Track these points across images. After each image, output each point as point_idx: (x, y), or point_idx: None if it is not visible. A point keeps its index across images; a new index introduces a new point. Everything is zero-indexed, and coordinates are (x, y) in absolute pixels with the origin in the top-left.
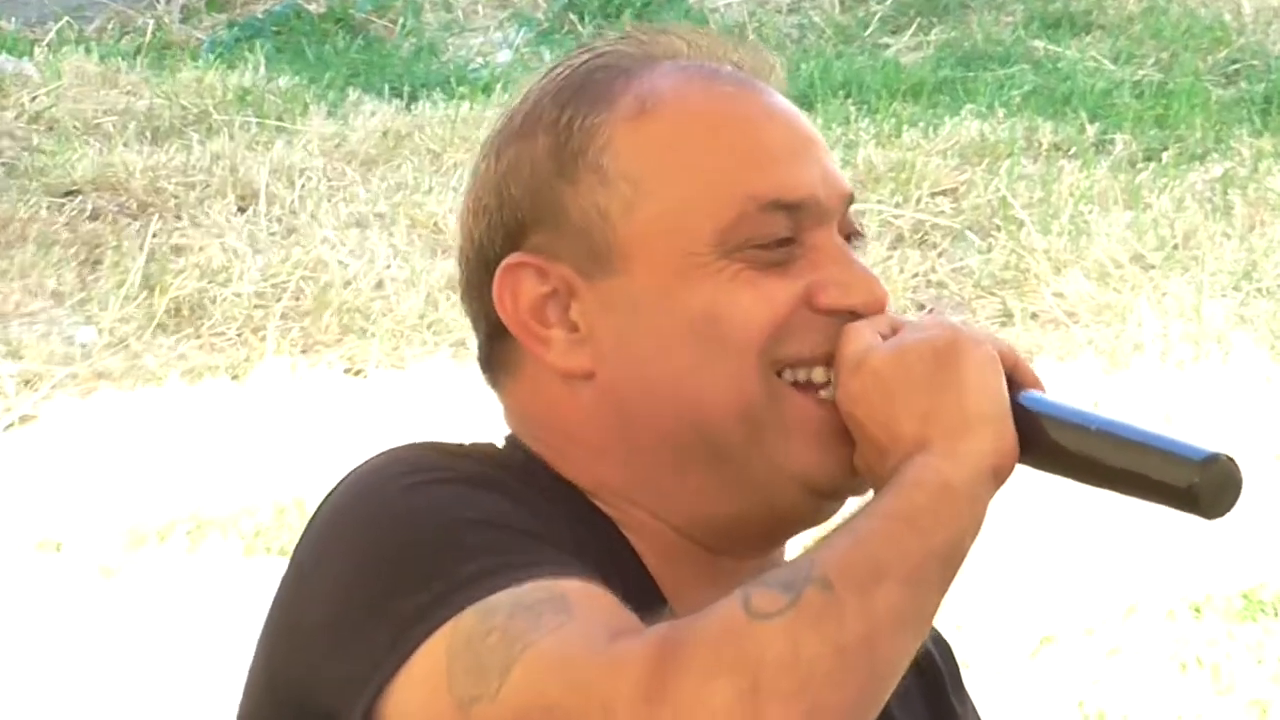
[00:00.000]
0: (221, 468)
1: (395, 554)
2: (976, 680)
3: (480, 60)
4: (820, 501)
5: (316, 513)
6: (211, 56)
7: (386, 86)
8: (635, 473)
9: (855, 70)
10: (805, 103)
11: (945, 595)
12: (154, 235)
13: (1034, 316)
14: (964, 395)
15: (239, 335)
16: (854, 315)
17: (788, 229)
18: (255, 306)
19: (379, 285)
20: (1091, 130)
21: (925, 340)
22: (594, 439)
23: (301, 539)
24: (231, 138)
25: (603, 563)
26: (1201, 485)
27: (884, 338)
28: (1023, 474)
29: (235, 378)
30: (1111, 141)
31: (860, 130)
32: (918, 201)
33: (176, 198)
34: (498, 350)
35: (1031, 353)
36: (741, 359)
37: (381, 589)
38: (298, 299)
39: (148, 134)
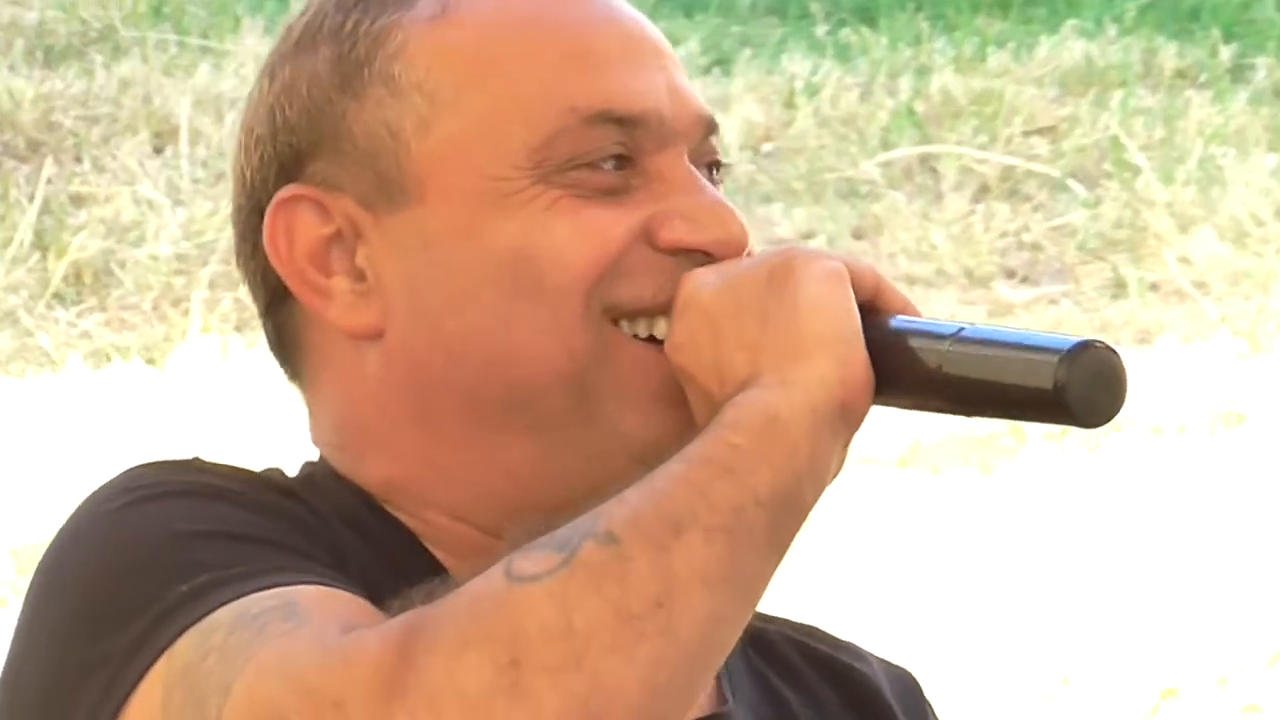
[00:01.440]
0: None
1: (106, 587)
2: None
3: None
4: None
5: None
6: None
7: None
8: (431, 457)
9: None
10: (866, 16)
11: (780, 555)
12: (48, 182)
13: (1154, 287)
14: (798, 316)
15: (155, 309)
16: (705, 256)
17: (621, 146)
18: (176, 272)
19: None
20: (1226, 53)
21: (757, 263)
22: (384, 417)
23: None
24: (145, 60)
25: (390, 582)
26: (1069, 383)
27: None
28: (1130, 491)
29: (151, 361)
30: (1251, 67)
31: (934, 52)
32: (1007, 142)
33: (76, 135)
34: (284, 322)
35: (1151, 331)
36: (563, 305)
37: (92, 635)
38: (229, 263)
39: (39, 55)
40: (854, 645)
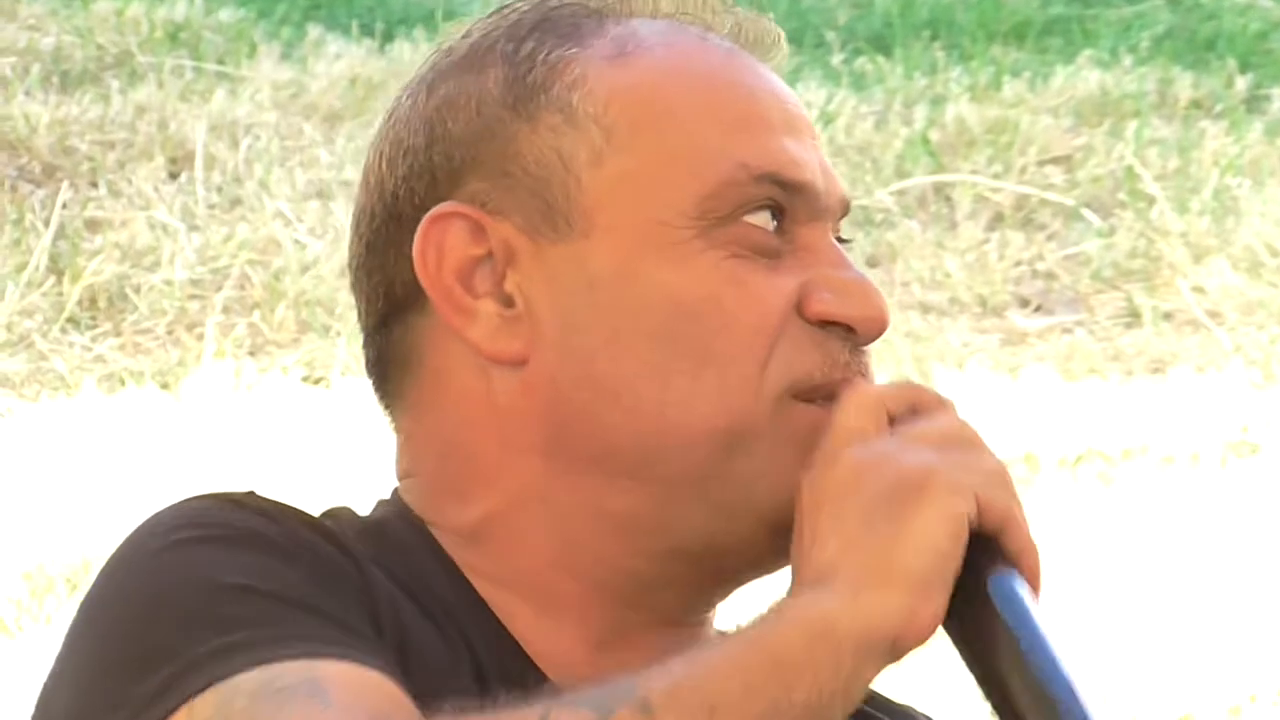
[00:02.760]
0: (148, 497)
1: (140, 629)
2: None
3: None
4: (775, 539)
5: None
6: None
7: (355, 23)
8: (546, 492)
9: (944, 6)
10: (882, 45)
11: None
12: (64, 207)
13: (1167, 316)
14: (898, 543)
15: (170, 333)
16: (848, 330)
17: (780, 202)
18: (190, 297)
19: (344, 272)
20: (1242, 83)
21: (896, 466)
22: (504, 445)
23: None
24: (160, 85)
25: (443, 657)
26: None
27: (887, 420)
28: (1143, 520)
29: (165, 386)
30: (1267, 97)
31: (950, 81)
32: (1022, 171)
33: (92, 160)
34: (399, 339)
35: (1165, 361)
36: (732, 371)
37: (121, 674)
38: (243, 288)
39: (55, 80)
40: (901, 705)
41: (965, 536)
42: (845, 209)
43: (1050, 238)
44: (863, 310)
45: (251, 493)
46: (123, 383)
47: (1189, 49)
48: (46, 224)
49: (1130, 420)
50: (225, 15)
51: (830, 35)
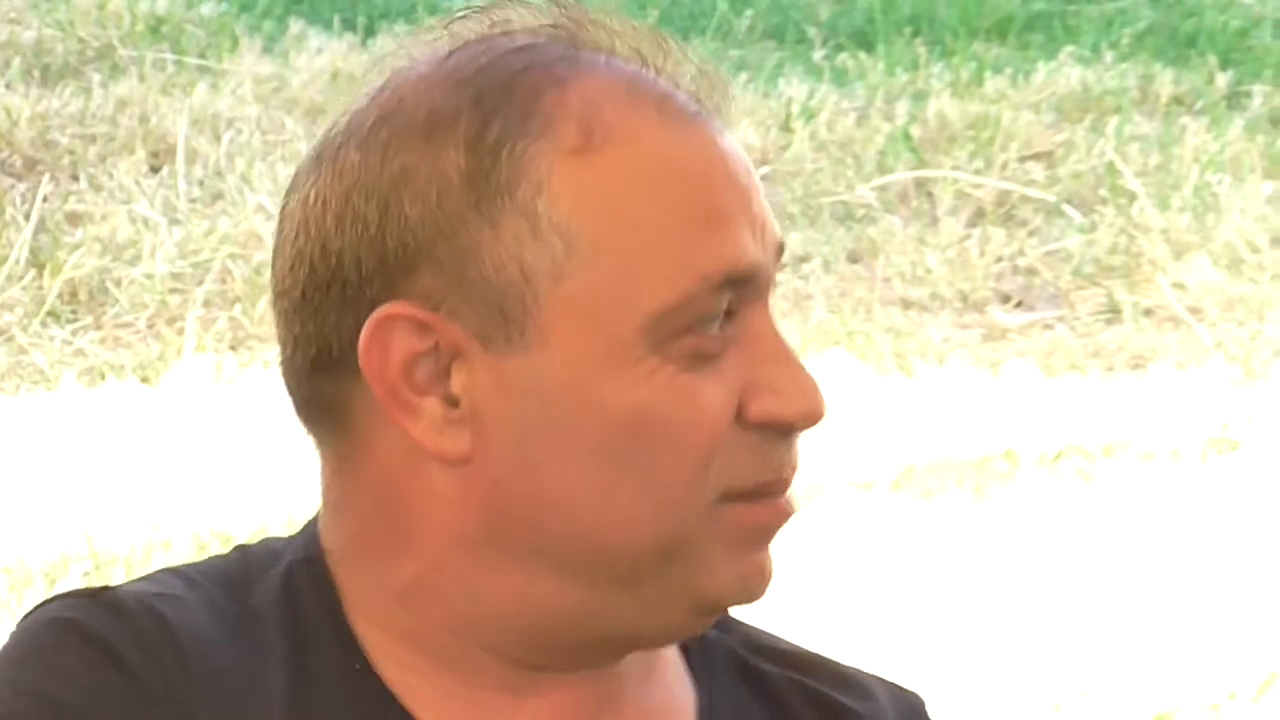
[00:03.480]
0: (128, 491)
1: None
2: None
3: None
4: (705, 619)
5: None
6: None
7: (336, 17)
8: (473, 581)
9: (925, 2)
10: (864, 41)
11: None
12: (44, 200)
13: (1148, 313)
14: None
15: (150, 327)
16: (786, 430)
17: (730, 305)
18: (171, 291)
19: None
20: (1223, 80)
21: None
22: (438, 529)
23: None
24: (142, 79)
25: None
26: None
27: None
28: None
29: (146, 380)
30: (1248, 94)
31: (931, 77)
32: (1003, 167)
33: (72, 154)
34: (324, 392)
35: (1145, 357)
36: (675, 483)
37: None
38: (224, 282)
39: (35, 73)
40: (861, 677)
41: None
42: (780, 254)
43: (1031, 234)
44: (800, 408)
45: (103, 591)
46: (103, 376)
47: (1170, 45)
48: (27, 218)
49: (1110, 416)
50: (207, 9)
51: (812, 31)
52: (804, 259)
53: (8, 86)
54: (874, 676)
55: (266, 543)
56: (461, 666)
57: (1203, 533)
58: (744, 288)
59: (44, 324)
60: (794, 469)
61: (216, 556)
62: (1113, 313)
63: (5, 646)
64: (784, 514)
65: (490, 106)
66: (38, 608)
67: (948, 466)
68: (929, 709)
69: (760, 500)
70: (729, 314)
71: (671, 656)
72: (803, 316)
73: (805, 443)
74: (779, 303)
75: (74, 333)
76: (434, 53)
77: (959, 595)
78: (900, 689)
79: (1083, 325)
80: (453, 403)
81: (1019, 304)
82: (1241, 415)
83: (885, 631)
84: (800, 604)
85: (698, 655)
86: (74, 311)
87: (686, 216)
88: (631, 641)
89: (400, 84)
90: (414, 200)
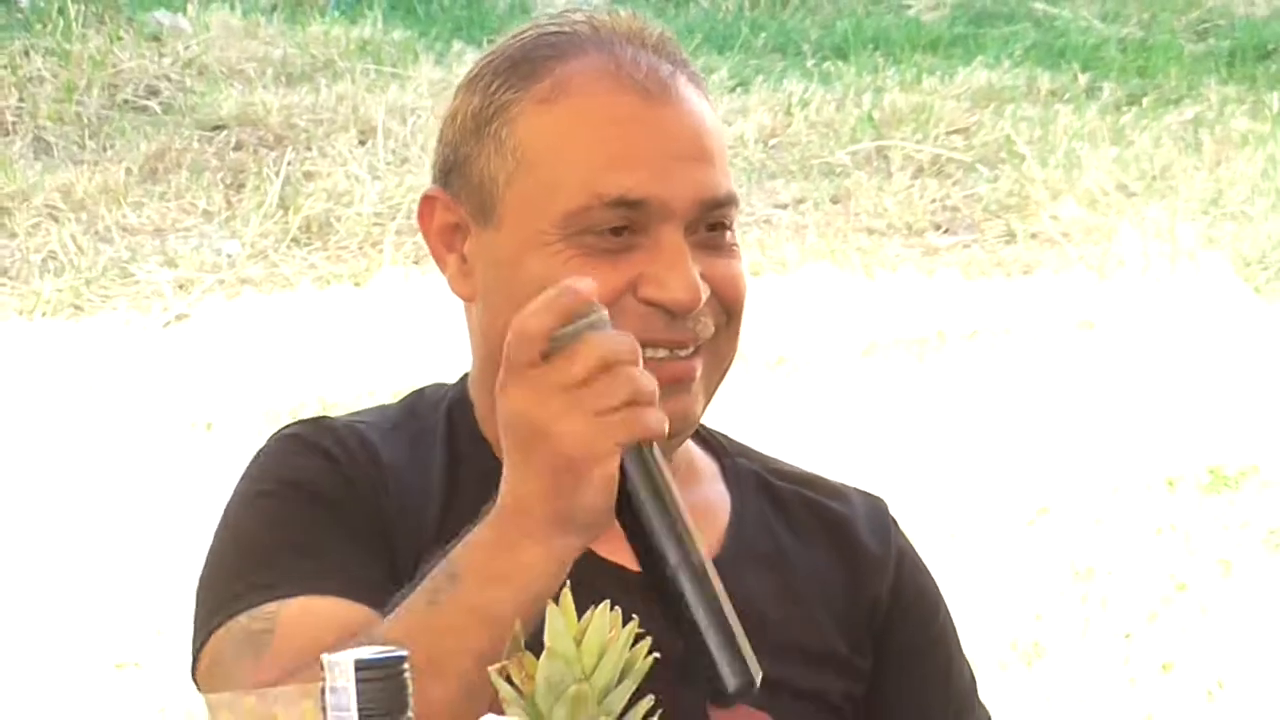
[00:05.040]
0: (346, 360)
1: (216, 562)
2: (981, 545)
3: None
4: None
5: None
6: (336, 13)
7: (485, 39)
8: (489, 393)
9: (883, 27)
10: (840, 53)
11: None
12: (288, 164)
13: (1033, 236)
14: (577, 506)
15: (360, 249)
16: (667, 310)
17: (625, 221)
18: (374, 224)
19: None
20: (1083, 79)
21: (555, 435)
22: (474, 357)
23: None
24: (353, 82)
25: (464, 495)
26: (725, 693)
27: (540, 350)
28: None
29: (358, 284)
30: (1100, 89)
31: (887, 78)
32: (935, 139)
33: (307, 132)
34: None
35: (1031, 267)
36: None
37: (210, 583)
38: (409, 218)
39: (283, 78)
40: (842, 488)
41: (617, 472)
42: (709, 204)
43: (955, 183)
44: (673, 295)
45: (317, 422)
46: (328, 283)
47: (1048, 56)
48: (277, 175)
49: (1009, 307)
50: (397, 34)
51: (806, 47)
52: (800, 201)
53: (264, 88)
54: (850, 487)
55: (440, 385)
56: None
57: (1071, 386)
58: (640, 210)
59: (289, 247)
60: (681, 341)
61: (408, 394)
62: (1010, 237)
63: (252, 460)
64: (668, 371)
65: (506, 70)
66: (274, 434)
67: (899, 342)
68: (889, 508)
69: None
70: (633, 229)
71: (712, 471)
72: (801, 241)
73: (805, 325)
74: (782, 231)
75: (309, 253)
76: (511, 33)
77: (906, 430)
78: (868, 494)
79: (989, 245)
80: (464, 259)
81: (946, 231)
82: (1097, 306)
83: (855, 451)
84: (799, 438)
85: (731, 473)
86: (309, 239)
87: (601, 152)
88: None
89: (493, 48)
90: (451, 128)
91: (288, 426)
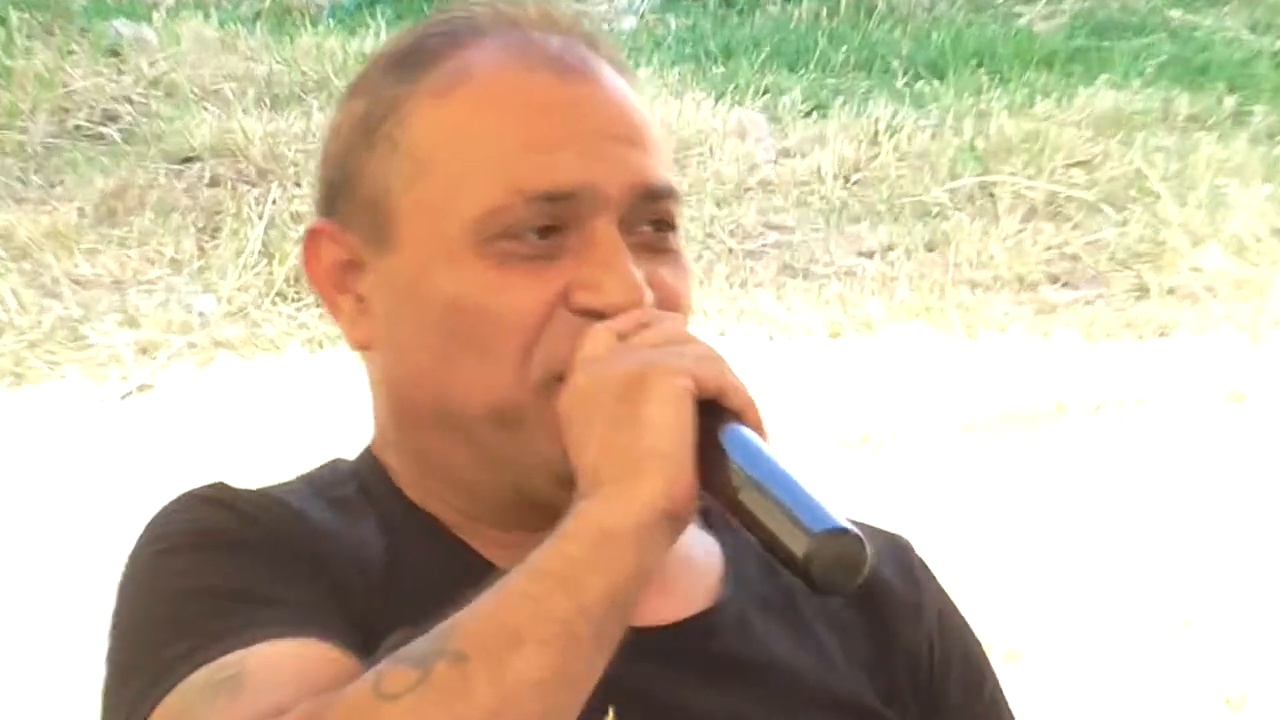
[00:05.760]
0: (345, 439)
1: (125, 643)
2: (1111, 664)
3: (605, 26)
4: (567, 489)
5: None
6: (332, 22)
7: None
8: (405, 449)
9: (987, 39)
10: (936, 71)
11: (609, 648)
12: (273, 202)
13: (1170, 291)
14: (640, 433)
15: None
16: (601, 317)
17: (550, 219)
18: None
19: None
20: (1229, 101)
21: (618, 369)
22: (378, 416)
23: None
24: None
25: (407, 568)
26: (814, 558)
27: (616, 341)
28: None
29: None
30: (1250, 113)
31: (992, 101)
32: (1051, 173)
33: (296, 165)
34: None
35: (1168, 328)
36: (498, 362)
37: (116, 681)
38: None
39: (267, 100)
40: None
41: (691, 406)
42: (644, 192)
43: (1075, 227)
44: (611, 299)
45: (219, 484)
46: (322, 345)
47: (1186, 74)
48: (260, 217)
49: (1141, 374)
50: None
51: (895, 63)
52: (889, 248)
53: (245, 111)
54: (865, 523)
55: (343, 460)
56: (485, 517)
57: (1216, 469)
58: (569, 204)
59: (273, 303)
60: None
61: (311, 470)
62: (1141, 291)
63: (143, 530)
64: None
65: (394, 65)
66: (164, 505)
67: (1008, 415)
68: (915, 549)
69: None
70: (559, 228)
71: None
72: (889, 295)
73: (893, 395)
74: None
75: (298, 309)
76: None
77: (1016, 520)
78: (889, 533)
79: (1117, 301)
80: (359, 300)
81: (1065, 284)
82: (1248, 374)
83: (955, 545)
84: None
85: (715, 515)
86: (298, 293)
87: (511, 141)
88: (531, 503)
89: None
90: (335, 141)
91: (181, 495)
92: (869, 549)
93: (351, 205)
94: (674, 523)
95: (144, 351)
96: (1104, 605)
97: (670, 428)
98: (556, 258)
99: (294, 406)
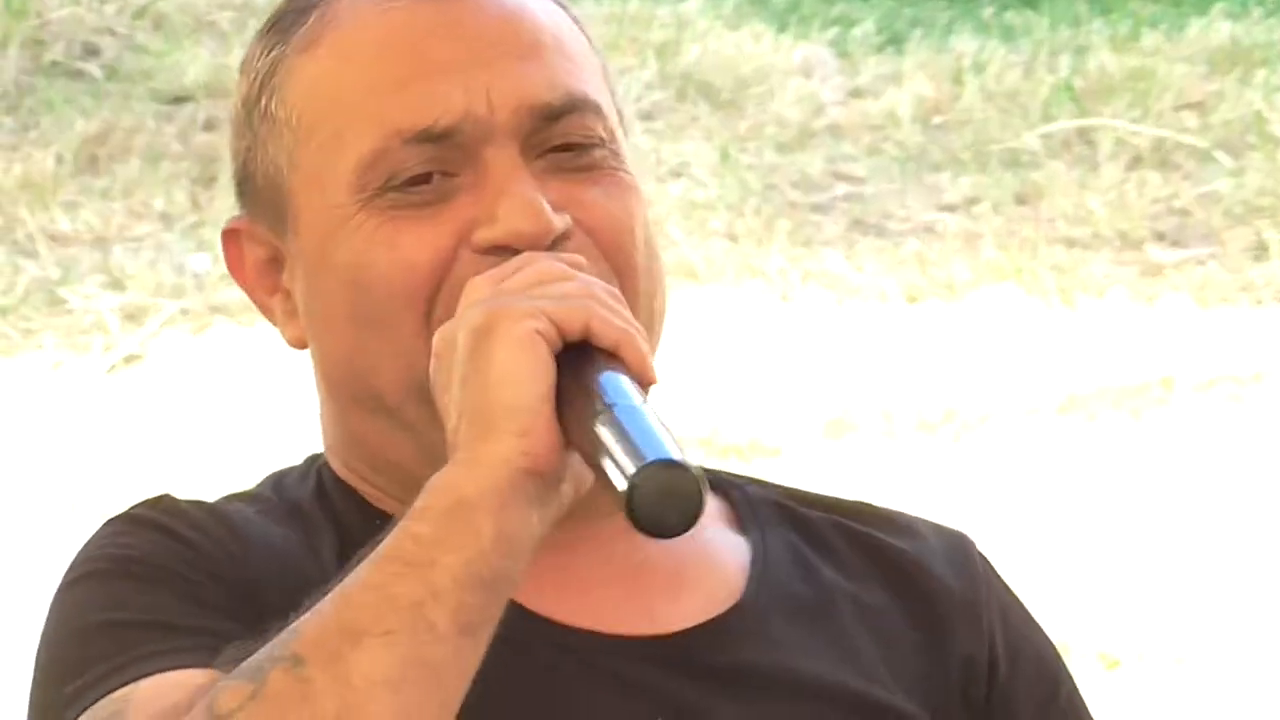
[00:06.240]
0: None
1: (39, 670)
2: (1233, 674)
3: None
4: None
5: None
6: None
7: None
8: (351, 448)
9: None
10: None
11: (481, 628)
12: None
13: None
14: (488, 387)
15: None
16: (505, 250)
17: (437, 160)
18: None
19: None
20: None
21: (466, 322)
22: (320, 413)
23: None
24: None
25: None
26: (637, 488)
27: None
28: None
29: None
30: None
31: (1092, 33)
32: (1159, 116)
33: None
34: None
35: None
36: (398, 328)
37: (41, 695)
38: None
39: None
40: (903, 518)
41: (544, 352)
42: (542, 110)
43: (1185, 177)
44: (509, 227)
45: (162, 499)
46: None
47: None
48: None
49: (1259, 345)
50: None
51: None
52: (974, 201)
53: (244, 45)
54: (919, 518)
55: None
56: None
57: None
58: (455, 138)
59: None
60: None
61: (264, 478)
62: (1260, 249)
63: (76, 557)
64: None
65: (266, 32)
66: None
67: (1108, 392)
68: (976, 546)
69: None
70: (456, 164)
71: (718, 510)
72: (974, 254)
73: (974, 372)
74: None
75: None
76: None
77: (1118, 513)
78: (947, 529)
79: (1233, 261)
80: (287, 296)
81: (1174, 242)
82: None
83: (1053, 542)
84: (976, 517)
85: (744, 508)
86: None
87: (382, 81)
88: None
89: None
90: (233, 130)
91: (124, 511)
92: (703, 487)
93: (255, 196)
94: (538, 481)
95: (131, 318)
96: (1216, 607)
97: (519, 378)
98: (449, 201)
99: (297, 379)
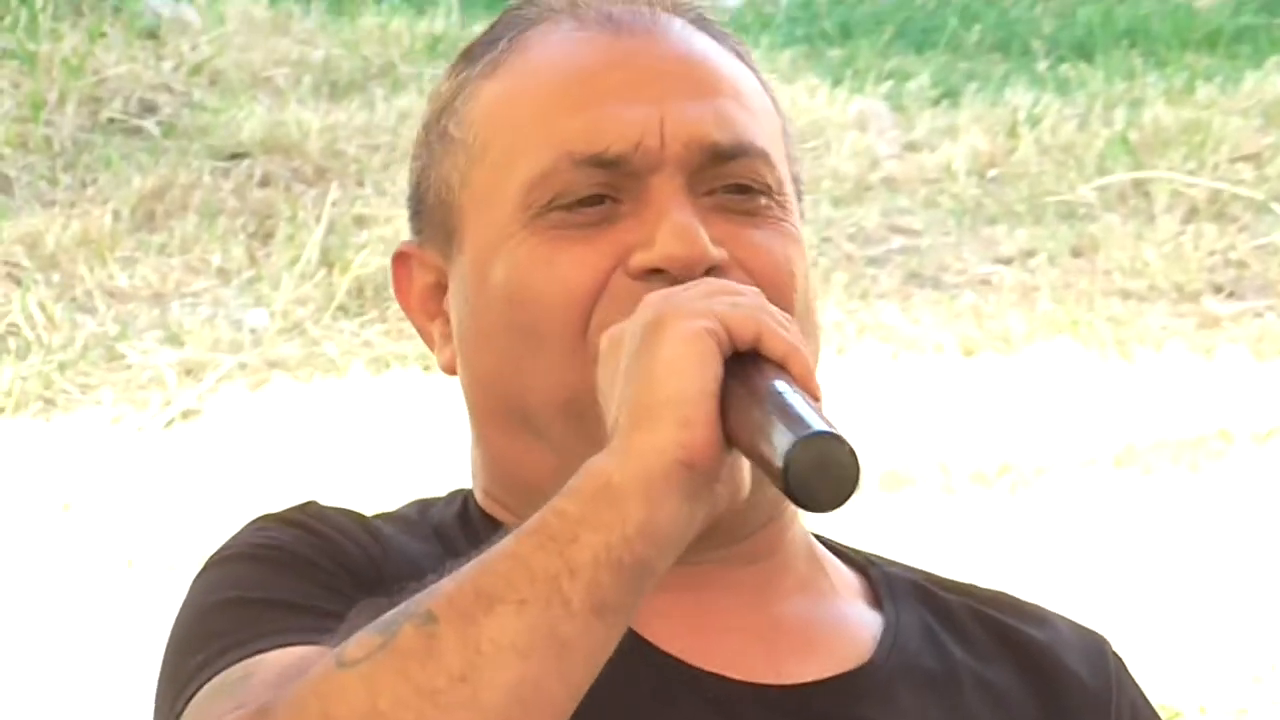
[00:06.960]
0: (413, 469)
1: (170, 651)
2: None
3: (707, 2)
4: None
5: None
6: (397, 0)
7: None
8: (489, 470)
9: (1141, 16)
10: (1084, 52)
11: (615, 613)
12: (333, 204)
13: None
14: (653, 378)
15: None
16: (670, 279)
17: (605, 184)
18: None
19: None
20: None
21: (636, 320)
22: (472, 434)
23: None
24: (421, 93)
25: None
26: (793, 461)
27: None
28: None
29: (427, 368)
30: None
31: (1147, 85)
32: (1215, 168)
33: (358, 162)
34: None
35: None
36: (555, 348)
37: (174, 666)
38: None
39: (324, 89)
40: (1040, 611)
41: (712, 350)
42: (710, 150)
43: (1242, 229)
44: (663, 252)
45: (306, 504)
46: (388, 365)
47: None
48: (317, 220)
49: None
50: (479, 28)
51: (1036, 44)
52: (1030, 254)
53: (299, 102)
54: (1056, 613)
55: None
56: None
57: None
58: (625, 164)
59: (334, 318)
60: None
61: (415, 500)
62: None
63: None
64: None
65: (457, 64)
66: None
67: (1165, 445)
68: (1113, 647)
69: None
70: (613, 197)
71: (854, 585)
72: (1030, 307)
73: (1031, 425)
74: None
75: (362, 325)
76: None
77: (1176, 564)
78: (1084, 627)
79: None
80: (446, 320)
81: (1231, 294)
82: None
83: (1109, 595)
84: (1032, 570)
85: (882, 584)
86: (361, 306)
87: (561, 105)
88: None
89: None
90: (415, 155)
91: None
92: (859, 463)
93: (426, 217)
94: (692, 474)
95: (189, 373)
96: (1277, 659)
97: (684, 370)
98: (614, 222)
99: (356, 435)
